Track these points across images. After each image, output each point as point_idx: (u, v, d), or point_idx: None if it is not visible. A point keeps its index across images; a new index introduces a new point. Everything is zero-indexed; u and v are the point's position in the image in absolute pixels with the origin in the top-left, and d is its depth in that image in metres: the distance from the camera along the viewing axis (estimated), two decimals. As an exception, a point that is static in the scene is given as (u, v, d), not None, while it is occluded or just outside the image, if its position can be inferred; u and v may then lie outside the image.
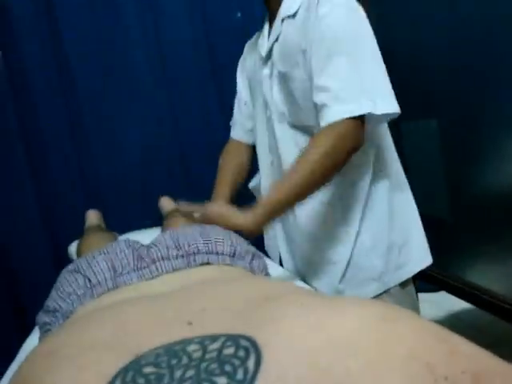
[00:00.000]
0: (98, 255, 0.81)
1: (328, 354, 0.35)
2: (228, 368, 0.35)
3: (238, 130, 1.46)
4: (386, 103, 1.03)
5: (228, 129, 1.49)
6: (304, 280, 1.25)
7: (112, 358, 0.40)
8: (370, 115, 1.02)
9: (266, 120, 1.27)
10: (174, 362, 0.37)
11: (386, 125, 1.21)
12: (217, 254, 0.80)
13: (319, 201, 1.17)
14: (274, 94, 1.21)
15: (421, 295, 1.86)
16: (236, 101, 1.47)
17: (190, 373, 0.35)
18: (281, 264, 1.34)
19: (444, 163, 1.66)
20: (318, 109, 1.06)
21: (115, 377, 0.36)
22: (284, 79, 1.16)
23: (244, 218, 1.02)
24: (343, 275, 1.19)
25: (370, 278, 1.17)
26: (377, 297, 1.17)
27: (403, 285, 1.21)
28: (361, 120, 1.01)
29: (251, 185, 1.45)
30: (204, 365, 0.36)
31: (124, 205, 1.84)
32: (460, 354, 0.36)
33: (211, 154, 1.53)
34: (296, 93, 1.14)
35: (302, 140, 1.17)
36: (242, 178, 1.41)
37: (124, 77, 1.84)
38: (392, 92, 1.05)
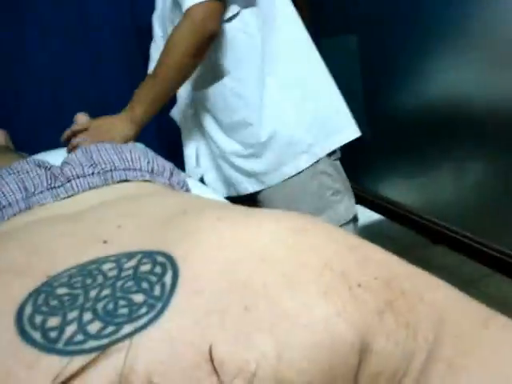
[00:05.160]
0: (6, 175, 0.75)
1: (245, 268, 0.36)
2: (145, 285, 0.35)
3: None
4: None
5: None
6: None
7: (22, 281, 0.38)
8: None
9: None
10: (88, 281, 0.36)
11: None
12: (135, 170, 0.77)
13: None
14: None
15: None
16: (153, 41, 1.41)
17: (106, 292, 0.35)
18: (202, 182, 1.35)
19: (362, 79, 1.68)
20: None
21: (26, 300, 0.35)
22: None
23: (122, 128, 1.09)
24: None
25: (300, 151, 1.20)
26: (307, 168, 1.21)
27: (331, 155, 1.25)
28: (218, 2, 1.04)
29: (172, 113, 1.43)
30: (120, 283, 0.35)
31: (34, 123, 1.72)
32: (372, 260, 0.38)
33: (127, 68, 1.45)
34: None
35: None
36: None
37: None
38: None
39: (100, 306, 0.33)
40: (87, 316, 0.33)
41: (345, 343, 0.32)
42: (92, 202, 0.64)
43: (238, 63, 1.18)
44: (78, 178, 0.73)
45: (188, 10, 1.04)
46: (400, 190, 1.68)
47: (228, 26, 1.16)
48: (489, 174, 1.27)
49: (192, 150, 1.38)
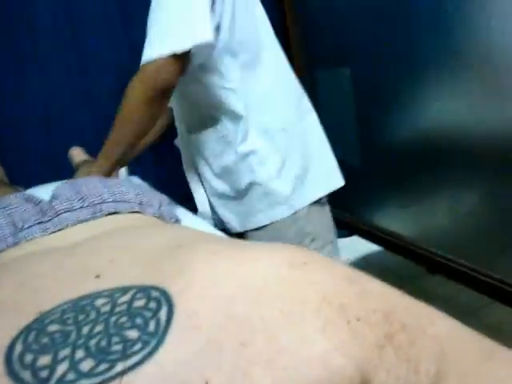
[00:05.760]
0: None
1: (242, 303, 0.35)
2: (139, 321, 0.34)
3: None
4: (191, 38, 1.04)
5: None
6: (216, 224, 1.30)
7: (12, 319, 0.37)
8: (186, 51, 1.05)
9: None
10: (81, 317, 0.35)
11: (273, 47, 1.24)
12: (124, 202, 0.76)
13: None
14: None
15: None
16: None
17: (99, 328, 0.34)
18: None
19: (356, 111, 1.70)
20: None
21: (16, 338, 0.34)
22: None
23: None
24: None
25: (276, 202, 1.21)
26: (285, 219, 1.21)
27: (315, 204, 1.25)
28: (174, 57, 1.03)
29: (175, 141, 1.44)
30: (113, 319, 0.34)
31: (28, 157, 1.72)
32: (371, 293, 0.37)
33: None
34: None
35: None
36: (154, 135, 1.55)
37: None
38: (202, 23, 1.04)
39: (93, 342, 0.33)
40: (79, 353, 0.32)
41: (343, 378, 0.31)
42: (81, 235, 0.63)
43: (226, 114, 1.20)
44: (67, 212, 0.72)
45: (142, 65, 1.05)
46: (396, 221, 1.67)
47: (209, 83, 1.17)
48: (484, 203, 1.27)
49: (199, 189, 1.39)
